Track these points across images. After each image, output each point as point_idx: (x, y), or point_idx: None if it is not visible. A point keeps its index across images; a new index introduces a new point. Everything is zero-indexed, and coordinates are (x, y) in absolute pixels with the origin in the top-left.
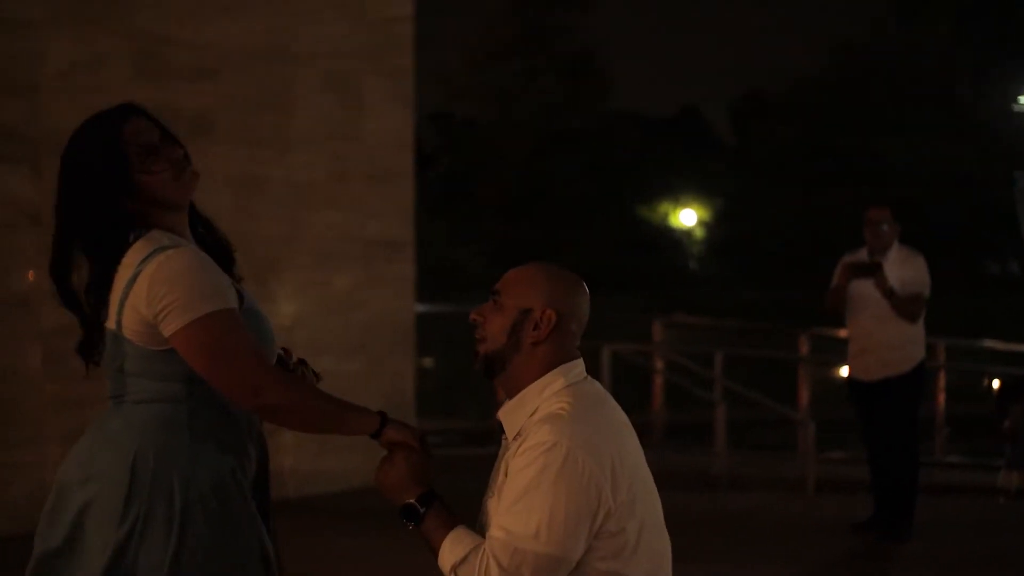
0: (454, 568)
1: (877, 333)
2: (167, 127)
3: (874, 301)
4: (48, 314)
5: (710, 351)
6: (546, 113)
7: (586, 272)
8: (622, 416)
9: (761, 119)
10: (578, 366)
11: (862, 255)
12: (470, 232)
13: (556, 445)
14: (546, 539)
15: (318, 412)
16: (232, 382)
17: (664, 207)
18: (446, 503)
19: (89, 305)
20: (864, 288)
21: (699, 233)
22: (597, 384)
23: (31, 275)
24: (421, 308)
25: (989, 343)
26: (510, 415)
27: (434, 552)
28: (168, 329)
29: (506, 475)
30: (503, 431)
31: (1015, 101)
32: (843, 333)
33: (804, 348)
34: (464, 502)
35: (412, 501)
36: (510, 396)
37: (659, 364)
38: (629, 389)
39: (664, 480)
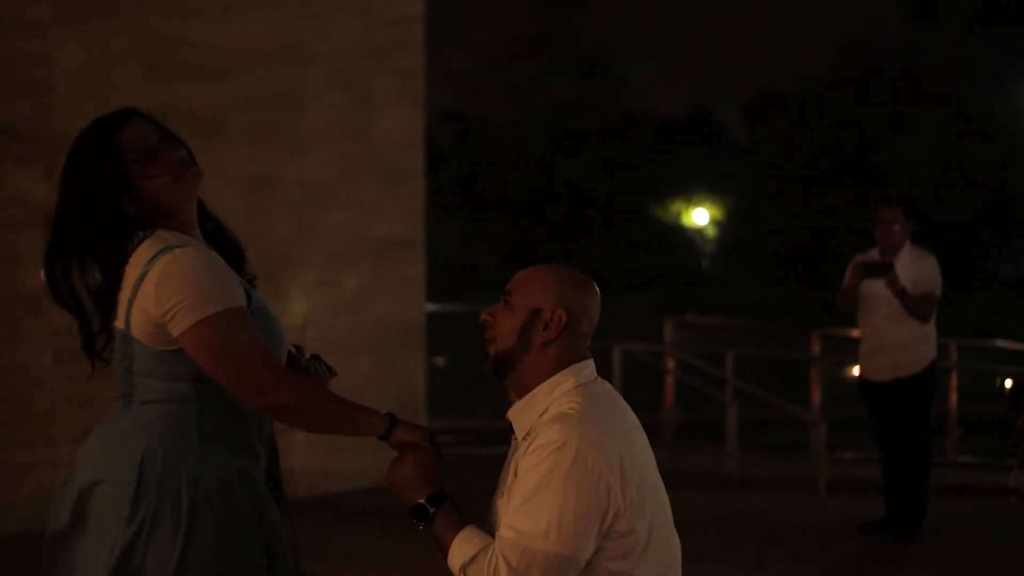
0: (463, 568)
1: (889, 333)
2: (168, 128)
3: (886, 301)
4: (59, 314)
5: (721, 351)
6: (558, 113)
7: (598, 271)
8: (632, 417)
9: (773, 118)
10: (588, 366)
11: (873, 255)
12: (483, 231)
13: (565, 444)
14: (555, 539)
15: (327, 412)
16: (240, 381)
17: (676, 206)
18: (456, 503)
19: (96, 306)
20: (876, 288)
21: (711, 232)
22: (607, 385)
23: (42, 275)
24: (433, 307)
25: (1001, 343)
26: (520, 415)
27: (444, 552)
28: (176, 329)
29: (515, 475)
30: (513, 431)
31: None
32: (855, 333)
33: (816, 348)
34: (475, 502)
35: (422, 501)
36: (520, 396)
37: (670, 364)
38: (640, 389)
39: (675, 480)
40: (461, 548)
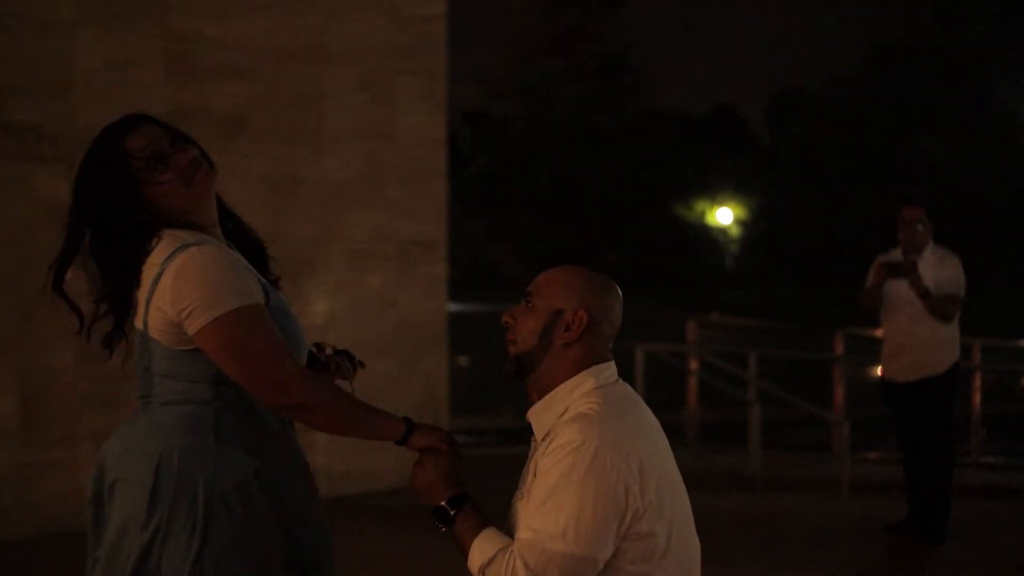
0: (482, 569)
1: (912, 334)
2: (179, 130)
3: (908, 301)
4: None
5: (744, 351)
6: (583, 112)
7: (621, 271)
8: (652, 418)
9: (797, 117)
10: (609, 368)
11: (897, 255)
12: (507, 230)
13: (584, 444)
14: (574, 539)
15: (344, 413)
16: (257, 379)
17: (700, 205)
18: (477, 505)
19: (111, 307)
20: (899, 288)
21: (735, 232)
22: (628, 387)
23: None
24: (456, 307)
25: None
26: (539, 416)
27: (465, 554)
28: (192, 327)
29: (535, 476)
30: (532, 432)
31: None
32: (879, 333)
33: (839, 348)
34: (498, 501)
35: (443, 504)
36: (540, 397)
37: (693, 364)
38: (663, 389)
39: (698, 480)
40: (480, 549)
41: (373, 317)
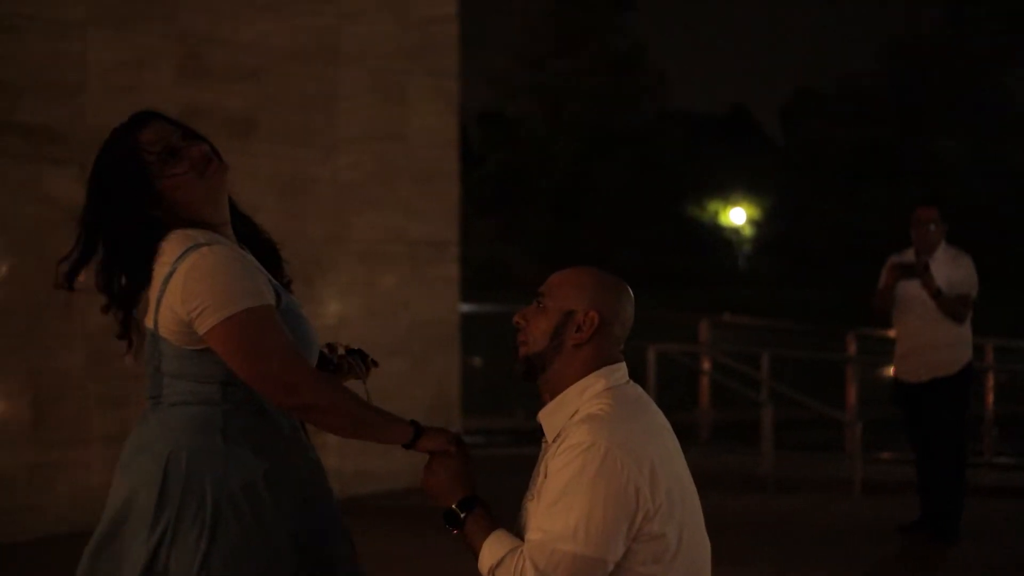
0: (491, 570)
1: (924, 334)
2: (189, 127)
3: (921, 302)
4: (92, 315)
5: (757, 351)
6: (596, 112)
7: (634, 271)
8: (663, 420)
9: (811, 118)
10: (620, 369)
11: (909, 255)
12: (520, 231)
13: (594, 445)
14: (584, 540)
15: (352, 416)
16: (266, 380)
17: (713, 205)
18: (487, 507)
19: (120, 306)
20: (911, 289)
21: (748, 231)
22: (639, 388)
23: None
24: (469, 308)
25: None
26: (550, 417)
27: (475, 556)
28: (203, 326)
29: (545, 477)
30: (543, 433)
31: None
32: (891, 333)
33: (851, 348)
34: (510, 502)
35: (453, 507)
36: (551, 398)
37: (706, 364)
38: (675, 389)
39: (710, 480)
40: (490, 551)
41: (384, 318)
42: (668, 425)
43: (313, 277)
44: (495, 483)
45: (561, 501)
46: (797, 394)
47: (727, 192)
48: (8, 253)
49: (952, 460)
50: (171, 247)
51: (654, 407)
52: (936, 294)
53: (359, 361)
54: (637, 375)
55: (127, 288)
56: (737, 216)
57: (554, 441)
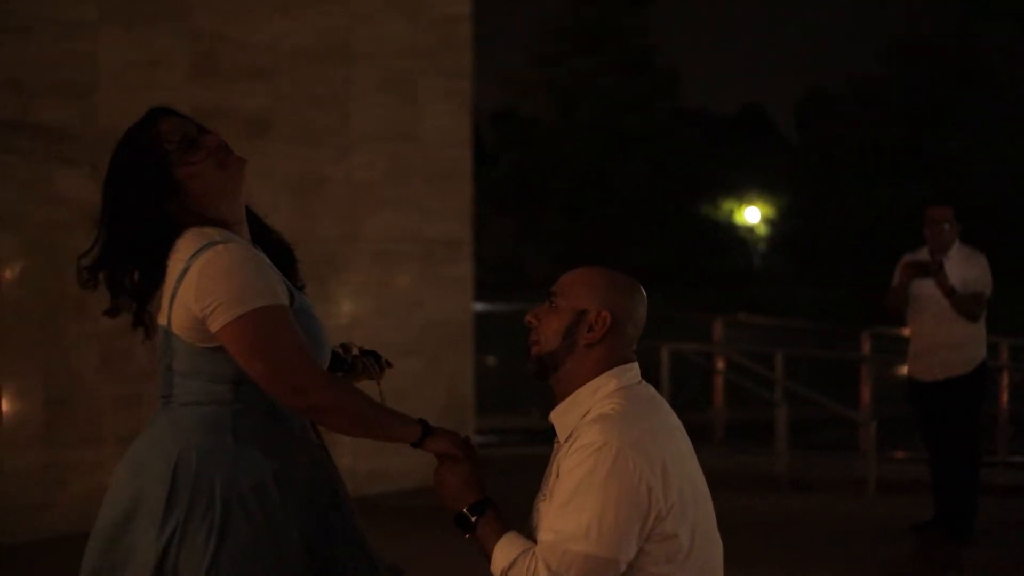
0: (504, 572)
1: (938, 333)
2: (202, 124)
3: (935, 301)
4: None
5: (771, 350)
6: (610, 111)
7: (649, 270)
8: (675, 420)
9: (825, 117)
10: (632, 369)
11: (923, 254)
12: (534, 230)
13: (606, 445)
14: (596, 540)
15: (360, 416)
16: (276, 379)
17: (728, 205)
18: (499, 509)
19: (135, 303)
20: (925, 288)
21: (763, 231)
22: (651, 388)
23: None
24: (483, 307)
25: None
26: (562, 417)
27: (487, 558)
28: (215, 324)
29: (557, 477)
30: (555, 434)
31: None
32: (905, 332)
33: (866, 347)
34: (523, 501)
35: (464, 511)
36: (563, 398)
37: (720, 364)
38: (690, 389)
39: (724, 480)
40: (502, 553)
41: (398, 317)
42: (680, 425)
43: (326, 277)
44: (509, 482)
45: (573, 501)
46: (811, 393)
47: (741, 191)
48: (20, 254)
49: (966, 459)
50: (186, 244)
51: (666, 407)
52: (950, 293)
53: (373, 362)
54: (650, 375)
55: (141, 284)
56: (752, 215)
57: (566, 441)
